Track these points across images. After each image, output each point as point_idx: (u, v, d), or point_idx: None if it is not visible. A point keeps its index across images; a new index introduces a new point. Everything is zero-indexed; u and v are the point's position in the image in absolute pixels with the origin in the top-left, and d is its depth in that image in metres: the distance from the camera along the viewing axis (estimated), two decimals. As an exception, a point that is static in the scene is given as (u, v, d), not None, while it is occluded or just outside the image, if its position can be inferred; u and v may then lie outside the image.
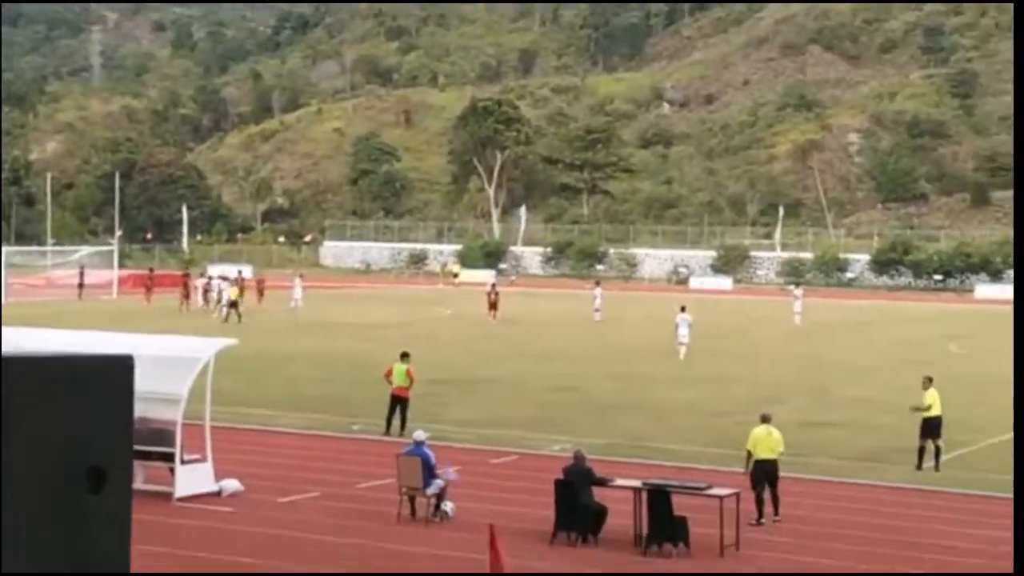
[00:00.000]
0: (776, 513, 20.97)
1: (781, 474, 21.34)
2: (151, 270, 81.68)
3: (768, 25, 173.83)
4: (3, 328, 22.89)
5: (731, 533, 18.98)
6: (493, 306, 63.35)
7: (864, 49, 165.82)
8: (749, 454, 21.34)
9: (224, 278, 67.61)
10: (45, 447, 5.19)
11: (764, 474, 20.99)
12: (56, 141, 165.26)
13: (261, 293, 72.07)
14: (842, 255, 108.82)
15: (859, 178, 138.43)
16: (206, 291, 67.29)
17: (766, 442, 21.20)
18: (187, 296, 67.47)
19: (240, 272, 71.66)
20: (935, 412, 25.35)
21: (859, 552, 19.27)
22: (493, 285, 68.30)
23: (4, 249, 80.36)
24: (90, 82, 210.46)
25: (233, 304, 60.68)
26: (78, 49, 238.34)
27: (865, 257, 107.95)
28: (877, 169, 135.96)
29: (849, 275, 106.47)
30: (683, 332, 46.37)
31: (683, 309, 47.57)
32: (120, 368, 5.68)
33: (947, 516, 21.98)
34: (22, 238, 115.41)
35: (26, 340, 24.40)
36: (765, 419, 21.71)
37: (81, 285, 75.68)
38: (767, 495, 20.92)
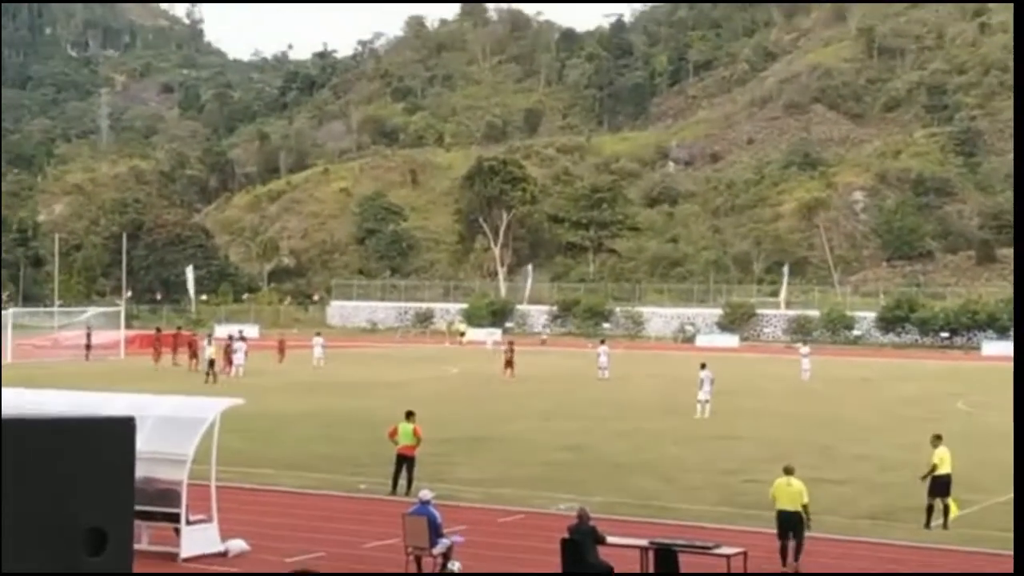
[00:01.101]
0: (795, 559, 21.18)
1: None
2: (158, 330, 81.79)
3: (772, 84, 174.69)
4: (6, 389, 22.90)
5: (739, 592, 18.87)
6: (509, 363, 63.39)
7: (868, 108, 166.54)
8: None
9: (242, 338, 67.26)
10: (45, 508, 5.18)
11: (786, 525, 21.35)
12: (64, 203, 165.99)
13: (282, 352, 72.07)
14: (848, 313, 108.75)
15: (865, 236, 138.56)
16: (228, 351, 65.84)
17: (786, 493, 21.58)
18: (194, 356, 67.27)
19: (241, 332, 71.67)
20: (944, 470, 25.26)
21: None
22: (510, 343, 68.37)
23: (12, 311, 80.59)
24: (98, 144, 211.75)
25: (211, 363, 60.30)
26: (86, 111, 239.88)
27: (871, 315, 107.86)
28: (883, 227, 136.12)
29: (856, 332, 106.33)
30: (706, 389, 46.23)
31: (703, 366, 47.44)
32: (122, 429, 5.69)
33: (951, 571, 21.83)
34: (29, 299, 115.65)
35: (30, 401, 24.40)
36: (788, 471, 22.07)
37: (88, 346, 75.76)
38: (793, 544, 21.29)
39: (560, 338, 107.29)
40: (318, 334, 75.89)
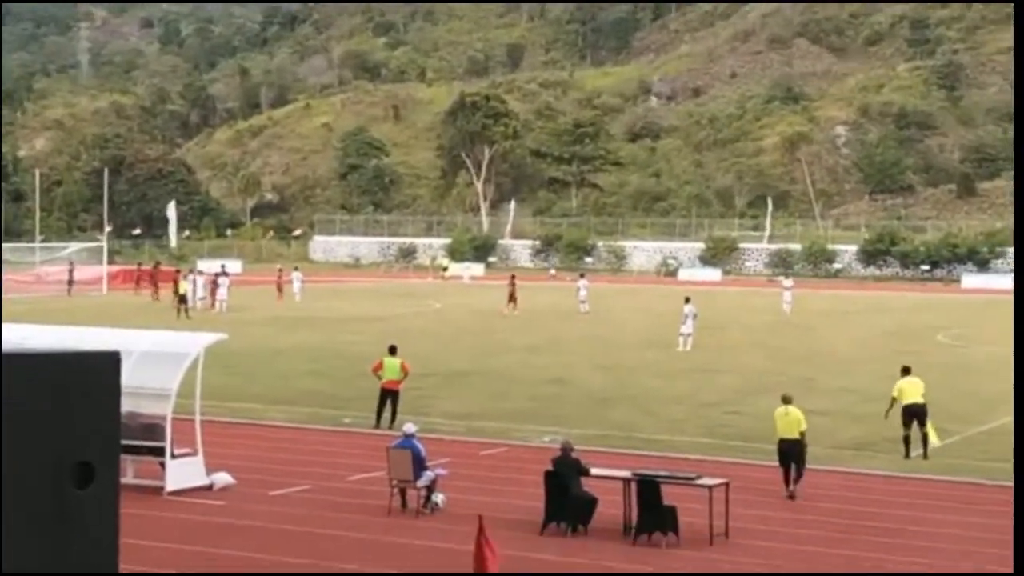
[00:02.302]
0: (795, 483, 21.94)
1: (770, 463, 21.53)
2: (139, 265, 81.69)
3: (755, 18, 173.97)
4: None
5: (720, 522, 19.08)
6: (512, 298, 63.42)
7: (850, 42, 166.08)
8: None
9: (224, 273, 67.08)
10: (32, 443, 5.23)
11: (786, 453, 22.02)
12: (44, 138, 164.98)
13: (280, 289, 71.43)
14: (830, 246, 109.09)
15: (846, 170, 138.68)
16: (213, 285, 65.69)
17: (784, 421, 22.20)
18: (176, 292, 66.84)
19: (223, 267, 71.49)
20: (912, 400, 25.46)
21: (846, 539, 19.36)
22: (513, 277, 68.46)
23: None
24: (78, 79, 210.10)
25: (182, 299, 60.11)
26: (66, 46, 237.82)
27: (853, 248, 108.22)
28: (864, 161, 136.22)
29: (837, 266, 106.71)
30: (688, 323, 46.42)
31: (687, 300, 47.59)
32: (107, 364, 5.72)
33: (932, 503, 22.08)
34: (11, 235, 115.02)
35: (13, 336, 24.42)
36: (785, 400, 22.62)
37: (71, 281, 75.65)
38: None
39: (542, 272, 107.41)
40: (296, 268, 75.92)
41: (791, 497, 21.76)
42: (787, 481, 21.96)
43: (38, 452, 5.24)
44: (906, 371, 26.25)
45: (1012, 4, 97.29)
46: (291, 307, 65.96)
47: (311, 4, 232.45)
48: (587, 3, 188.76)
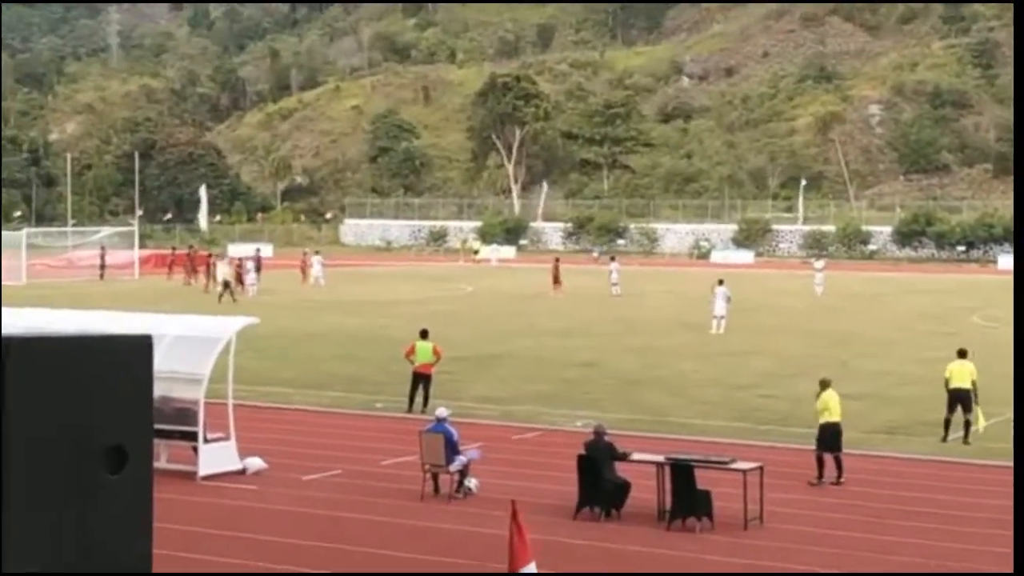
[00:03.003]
0: (838, 476, 21.83)
1: (802, 446, 21.45)
2: (173, 249, 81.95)
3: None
4: (26, 310, 22.97)
5: (755, 507, 18.96)
6: (556, 280, 63.47)
7: (884, 20, 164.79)
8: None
9: (257, 258, 67.37)
10: (65, 427, 5.18)
11: (824, 436, 22.00)
12: (75, 122, 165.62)
13: (304, 272, 71.55)
14: (864, 227, 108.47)
15: (880, 150, 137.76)
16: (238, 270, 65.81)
17: (823, 405, 22.23)
18: (211, 276, 66.91)
19: (258, 251, 71.72)
20: (959, 384, 25.25)
21: (879, 523, 19.22)
22: (557, 259, 68.34)
23: (26, 230, 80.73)
24: (108, 62, 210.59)
25: (226, 284, 60.24)
26: (96, 30, 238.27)
27: (887, 229, 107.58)
28: (899, 140, 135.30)
29: (871, 247, 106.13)
30: (720, 305, 46.25)
31: (720, 282, 47.40)
32: (139, 348, 5.67)
33: (967, 487, 21.91)
34: (42, 219, 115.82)
35: (47, 321, 24.48)
36: (824, 384, 22.58)
37: (103, 266, 75.92)
38: (829, 458, 21.93)
39: (574, 255, 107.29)
40: (316, 252, 75.85)
41: (817, 481, 21.76)
42: (819, 465, 21.84)
43: (72, 436, 5.19)
44: (962, 354, 25.99)
45: (1012, 4, 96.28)
46: (320, 291, 65.99)
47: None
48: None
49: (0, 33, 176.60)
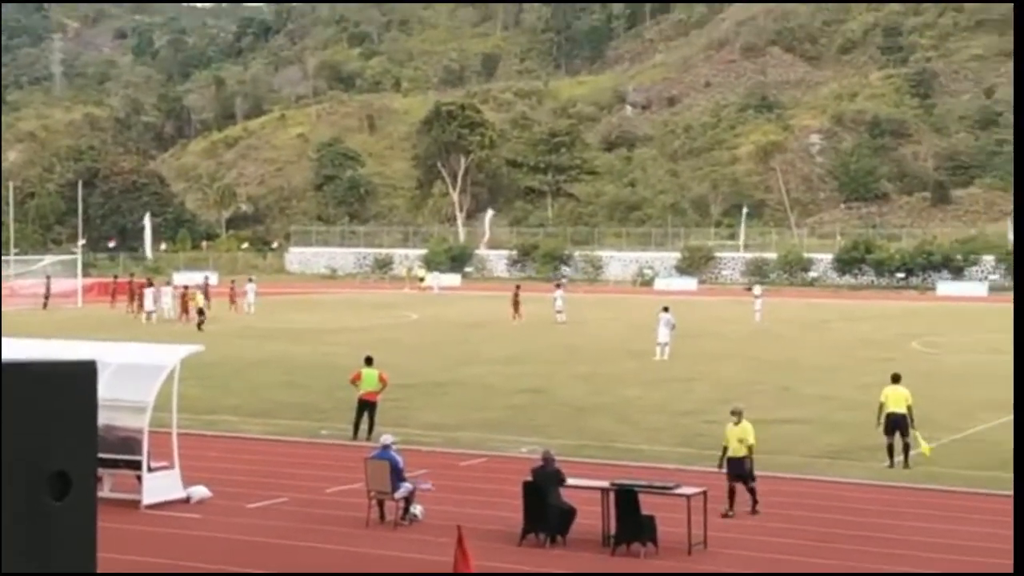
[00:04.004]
0: (752, 506, 21.39)
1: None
2: (115, 277, 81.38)
3: (729, 27, 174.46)
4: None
5: (699, 531, 19.07)
6: (516, 306, 63.40)
7: (824, 50, 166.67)
8: (724, 450, 21.79)
9: (167, 283, 67.55)
10: (8, 453, 5.17)
11: (733, 468, 21.55)
12: (17, 150, 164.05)
13: (232, 300, 71.39)
14: (805, 255, 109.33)
15: (821, 178, 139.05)
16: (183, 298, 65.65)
17: (733, 436, 21.76)
18: (140, 305, 66.55)
19: (207, 278, 71.43)
20: (895, 409, 25.46)
21: (825, 548, 19.38)
22: (517, 286, 68.42)
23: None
24: (51, 91, 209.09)
25: (200, 311, 60.36)
26: (39, 57, 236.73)
27: (828, 256, 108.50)
28: (839, 169, 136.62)
29: (812, 274, 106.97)
30: (664, 332, 46.47)
31: (666, 309, 47.64)
32: (83, 373, 5.67)
33: (910, 511, 22.10)
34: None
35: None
36: (735, 413, 22.14)
37: (47, 295, 75.28)
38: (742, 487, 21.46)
39: (519, 282, 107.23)
40: (251, 280, 75.44)
41: (728, 513, 21.19)
42: (730, 496, 21.29)
43: (14, 462, 5.18)
44: (896, 379, 26.18)
45: (1012, 4, 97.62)
46: (263, 318, 65.69)
47: (285, 14, 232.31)
48: (565, 1, 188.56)
49: (0, 34, 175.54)
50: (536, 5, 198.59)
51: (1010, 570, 14.29)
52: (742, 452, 21.52)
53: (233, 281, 74.88)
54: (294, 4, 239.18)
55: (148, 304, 64.74)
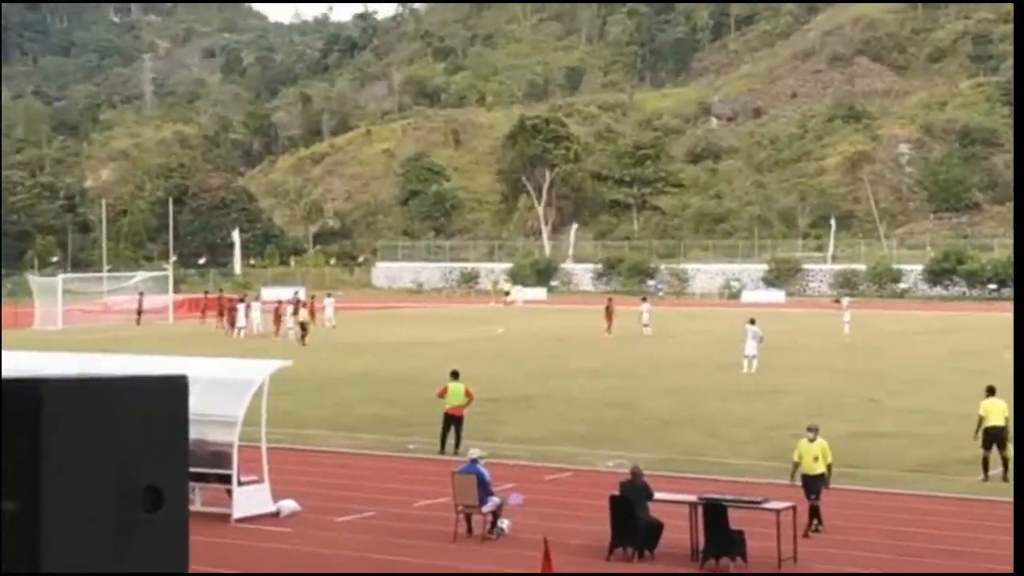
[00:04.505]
0: (817, 524, 20.77)
1: (837, 486, 21.31)
2: (206, 293, 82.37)
3: (815, 37, 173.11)
4: (64, 354, 23.18)
5: (788, 547, 18.90)
6: (609, 319, 63.26)
7: (912, 59, 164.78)
8: (796, 465, 21.47)
9: (242, 300, 68.38)
10: (101, 467, 5.26)
11: (810, 485, 21.10)
12: (110, 168, 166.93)
13: (312, 315, 71.74)
14: (895, 266, 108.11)
15: (911, 188, 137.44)
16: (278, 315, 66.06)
17: (809, 452, 21.30)
18: (232, 320, 67.13)
19: (296, 293, 72.08)
20: (993, 422, 25.08)
21: (916, 563, 19.12)
22: (610, 298, 68.22)
23: (61, 276, 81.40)
24: (142, 109, 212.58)
25: (303, 326, 60.80)
26: (130, 77, 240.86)
27: (918, 267, 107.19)
28: (929, 179, 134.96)
29: (902, 286, 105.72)
30: (751, 344, 46.22)
31: (752, 322, 47.37)
32: (175, 388, 5.76)
33: (1005, 525, 21.74)
34: (78, 265, 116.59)
35: (83, 365, 24.67)
36: (811, 429, 21.73)
37: (140, 311, 76.38)
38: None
39: (605, 296, 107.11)
40: (329, 295, 75.69)
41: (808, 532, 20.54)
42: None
43: (108, 475, 5.27)
44: (990, 391, 25.80)
45: (1012, 4, 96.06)
46: (357, 333, 66.10)
47: (370, 30, 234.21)
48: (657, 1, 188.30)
49: (0, 34, 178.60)
50: (620, 17, 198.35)
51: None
52: (819, 469, 21.09)
53: (313, 296, 75.45)
54: (379, 20, 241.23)
55: (240, 320, 65.44)
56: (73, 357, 27.66)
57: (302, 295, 72.57)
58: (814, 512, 20.69)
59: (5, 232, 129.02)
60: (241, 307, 66.82)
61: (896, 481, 25.25)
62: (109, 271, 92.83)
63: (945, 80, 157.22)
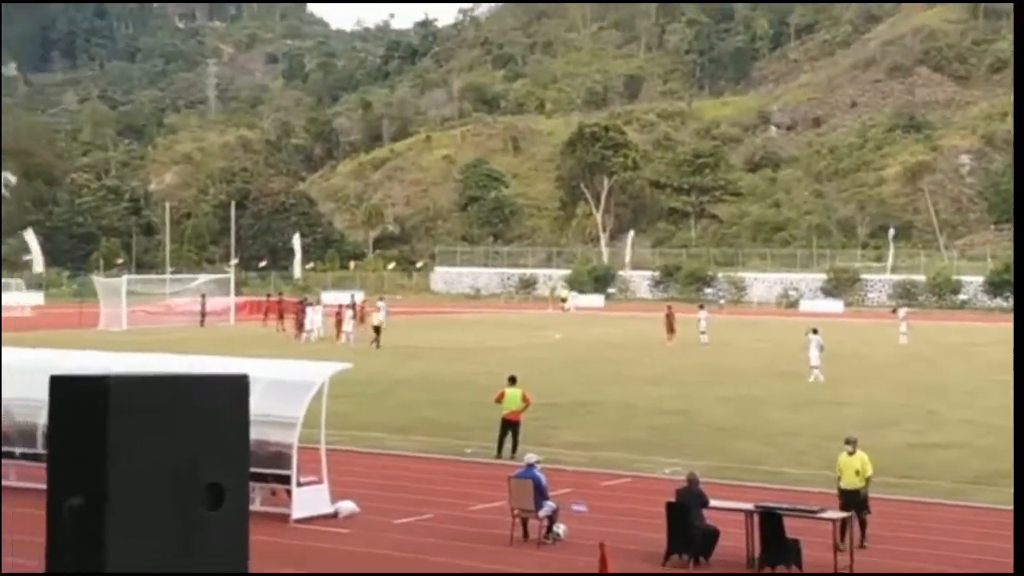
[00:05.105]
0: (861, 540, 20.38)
1: (894, 497, 21.27)
2: (268, 296, 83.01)
3: (875, 47, 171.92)
4: (127, 354, 23.54)
5: (844, 557, 18.91)
6: (671, 328, 62.93)
7: (973, 69, 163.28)
8: (839, 480, 21.17)
9: (352, 306, 68.45)
10: (165, 463, 5.44)
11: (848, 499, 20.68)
12: (174, 172, 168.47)
13: (362, 319, 71.89)
14: (955, 277, 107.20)
15: (971, 199, 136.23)
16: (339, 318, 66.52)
17: (849, 466, 20.90)
18: (299, 323, 67.67)
19: (353, 297, 72.46)
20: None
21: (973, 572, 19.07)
22: (669, 306, 67.92)
23: (126, 278, 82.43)
24: (206, 114, 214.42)
25: (376, 329, 61.13)
26: (194, 82, 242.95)
27: (979, 279, 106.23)
28: (989, 190, 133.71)
29: (962, 297, 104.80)
30: (814, 354, 46.07)
31: (815, 331, 47.17)
32: (236, 387, 5.93)
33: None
34: (142, 267, 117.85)
35: (147, 364, 25.06)
36: (849, 442, 21.34)
37: (203, 313, 77.21)
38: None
39: (662, 303, 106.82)
40: (381, 299, 75.55)
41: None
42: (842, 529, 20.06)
43: (172, 472, 5.44)
44: None
45: (1012, 4, 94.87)
46: (415, 338, 66.40)
47: (431, 37, 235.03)
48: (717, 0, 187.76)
49: (0, 34, 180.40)
50: (679, 26, 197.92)
51: None
52: (859, 483, 20.70)
53: (365, 300, 75.75)
54: (439, 28, 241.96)
55: (308, 323, 65.78)
56: (138, 357, 28.07)
57: (358, 299, 72.99)
58: (863, 525, 20.56)
59: (71, 234, 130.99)
60: (310, 310, 67.31)
61: (956, 492, 25.17)
62: (172, 273, 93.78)
63: (1006, 91, 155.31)
